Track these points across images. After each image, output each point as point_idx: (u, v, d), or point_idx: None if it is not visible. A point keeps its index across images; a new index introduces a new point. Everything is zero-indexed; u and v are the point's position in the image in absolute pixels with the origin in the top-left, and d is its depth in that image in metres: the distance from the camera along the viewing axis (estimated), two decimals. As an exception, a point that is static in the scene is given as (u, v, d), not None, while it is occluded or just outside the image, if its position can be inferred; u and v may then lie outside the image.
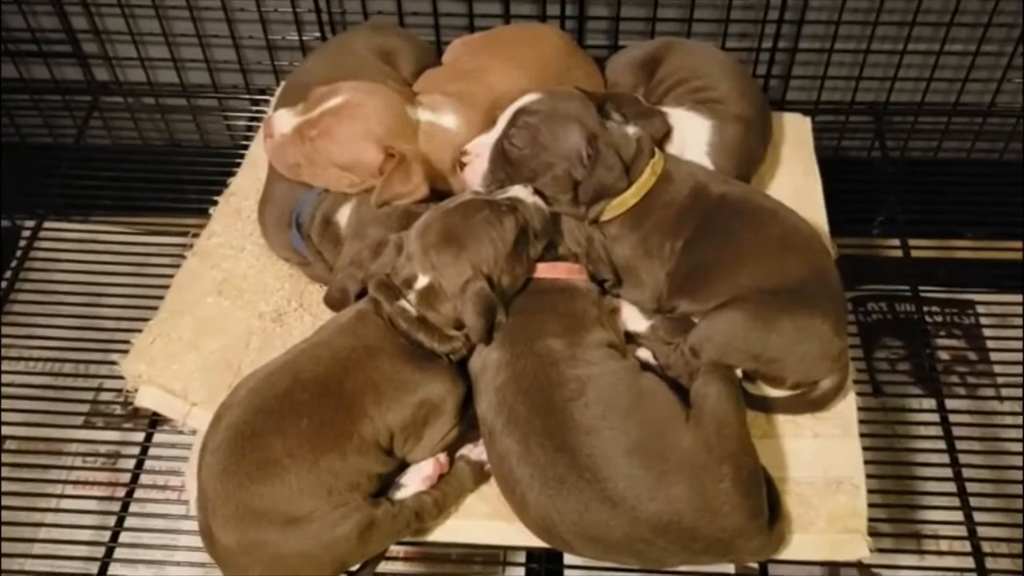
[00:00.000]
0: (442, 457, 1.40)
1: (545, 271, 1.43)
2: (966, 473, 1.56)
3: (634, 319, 1.53)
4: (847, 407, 1.51)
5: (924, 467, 1.62)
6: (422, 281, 1.35)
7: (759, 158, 1.72)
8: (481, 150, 1.50)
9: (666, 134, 1.61)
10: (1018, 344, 1.77)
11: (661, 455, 1.27)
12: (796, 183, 1.77)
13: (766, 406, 1.49)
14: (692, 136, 1.63)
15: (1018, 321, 1.85)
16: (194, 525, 1.31)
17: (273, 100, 1.87)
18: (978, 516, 1.54)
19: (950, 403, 1.68)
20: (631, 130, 1.54)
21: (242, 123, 2.08)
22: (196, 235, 1.74)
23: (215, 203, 1.77)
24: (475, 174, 1.50)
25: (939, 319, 2.10)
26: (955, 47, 1.90)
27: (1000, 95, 1.95)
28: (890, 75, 1.94)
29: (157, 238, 1.99)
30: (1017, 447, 1.62)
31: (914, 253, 1.84)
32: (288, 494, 1.26)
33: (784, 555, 1.37)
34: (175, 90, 2.10)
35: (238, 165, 1.84)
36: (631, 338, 1.52)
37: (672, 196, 1.51)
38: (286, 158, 1.50)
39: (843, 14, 1.85)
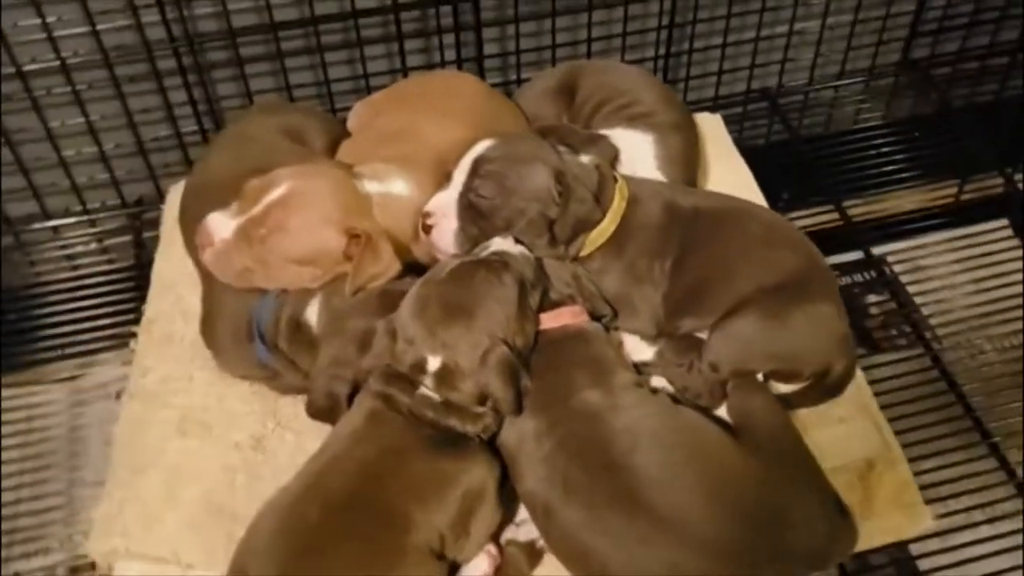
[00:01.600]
0: (492, 549, 1.27)
1: (549, 321, 1.32)
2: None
3: (638, 349, 1.45)
4: (860, 386, 1.50)
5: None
6: (434, 363, 1.22)
7: (699, 161, 1.70)
8: (445, 209, 1.39)
9: (615, 157, 1.56)
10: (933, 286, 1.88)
11: (737, 487, 1.20)
12: (731, 179, 1.76)
13: (788, 403, 1.45)
14: (638, 153, 1.58)
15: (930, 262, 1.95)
16: None
17: (167, 209, 1.69)
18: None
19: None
20: (585, 159, 1.47)
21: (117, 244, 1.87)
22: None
23: (131, 336, 1.57)
24: (445, 235, 1.38)
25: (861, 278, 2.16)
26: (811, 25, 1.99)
27: (879, 57, 2.04)
28: (778, 59, 1.99)
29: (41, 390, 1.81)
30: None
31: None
32: None
33: (860, 547, 1.33)
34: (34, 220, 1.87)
35: (139, 289, 1.64)
36: (638, 369, 1.45)
37: (647, 217, 1.45)
38: (232, 265, 1.32)
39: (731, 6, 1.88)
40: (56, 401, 1.87)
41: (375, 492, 1.18)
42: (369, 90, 1.77)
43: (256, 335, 1.36)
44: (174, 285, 1.60)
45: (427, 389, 1.22)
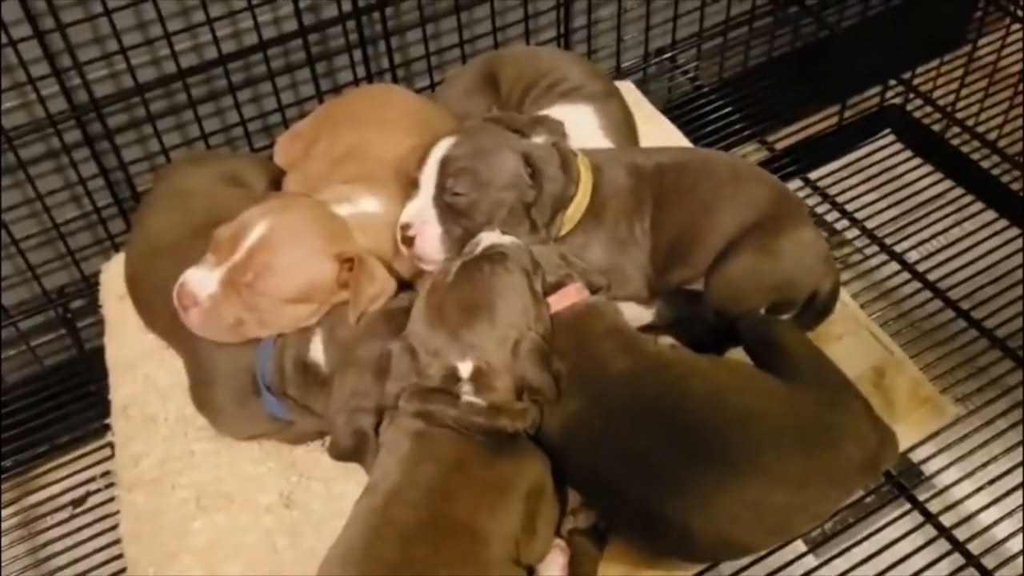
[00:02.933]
0: (561, 543, 1.24)
1: (556, 303, 1.30)
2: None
3: (637, 314, 1.45)
4: (847, 301, 1.55)
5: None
6: (466, 368, 1.18)
7: (635, 124, 1.71)
8: (423, 216, 1.34)
9: (563, 134, 1.55)
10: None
11: (792, 415, 1.21)
12: (662, 138, 1.79)
13: (789, 332, 1.49)
14: (581, 126, 1.58)
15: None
16: None
17: (105, 288, 1.57)
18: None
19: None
20: (540, 139, 1.46)
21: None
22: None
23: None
24: (430, 242, 1.34)
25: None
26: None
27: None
28: (667, 18, 2.04)
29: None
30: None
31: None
32: None
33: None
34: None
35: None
36: (640, 333, 1.45)
37: (614, 182, 1.45)
38: (223, 319, 1.24)
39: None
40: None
41: (446, 513, 1.13)
42: (286, 124, 1.71)
43: (263, 387, 1.28)
44: (135, 365, 1.49)
45: (469, 396, 1.18)
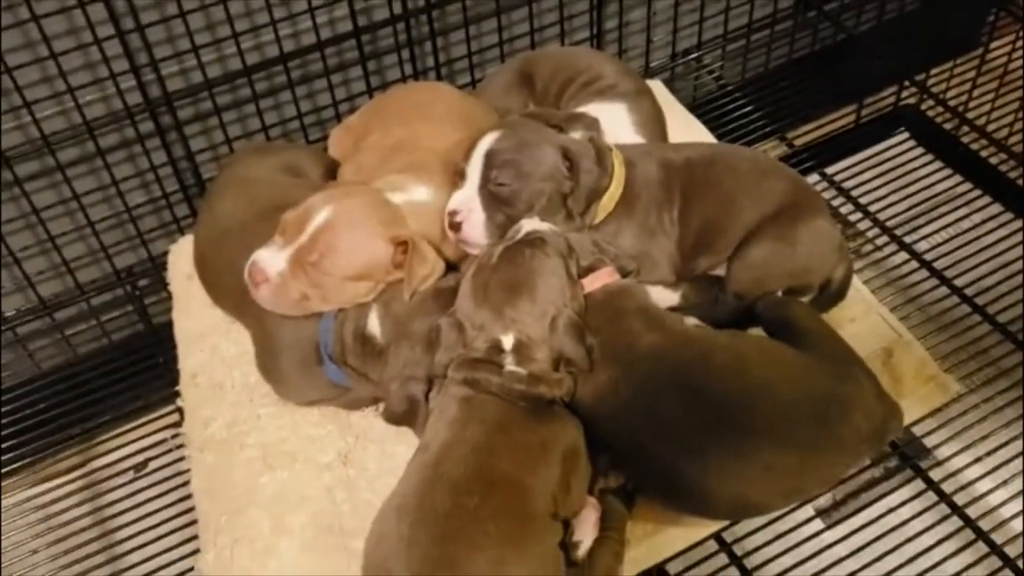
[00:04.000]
0: (593, 500, 1.36)
1: (590, 284, 1.42)
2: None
3: (664, 296, 1.57)
4: (859, 287, 1.67)
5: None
6: (508, 341, 1.31)
7: (665, 121, 1.83)
8: (469, 204, 1.48)
9: (598, 129, 1.67)
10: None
11: (807, 385, 1.33)
12: (689, 134, 1.91)
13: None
14: (615, 122, 1.71)
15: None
16: None
17: (173, 267, 1.71)
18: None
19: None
20: (577, 134, 1.59)
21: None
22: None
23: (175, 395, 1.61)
24: (475, 228, 1.47)
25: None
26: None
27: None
28: (693, 21, 2.16)
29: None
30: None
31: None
32: None
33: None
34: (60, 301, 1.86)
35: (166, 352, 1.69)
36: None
37: (646, 175, 1.57)
38: (289, 295, 1.37)
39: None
40: (68, 493, 1.86)
41: (493, 468, 1.26)
42: (339, 118, 1.85)
43: (325, 357, 1.42)
44: (203, 337, 1.63)
45: (511, 366, 1.31)
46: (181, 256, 1.72)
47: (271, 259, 1.37)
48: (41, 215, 1.73)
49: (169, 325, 1.73)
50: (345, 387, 1.45)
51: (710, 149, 1.67)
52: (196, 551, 1.48)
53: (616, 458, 1.40)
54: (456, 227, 1.48)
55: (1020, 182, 2.11)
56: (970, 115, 2.17)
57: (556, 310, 1.33)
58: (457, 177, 1.52)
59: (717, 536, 1.44)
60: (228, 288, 1.54)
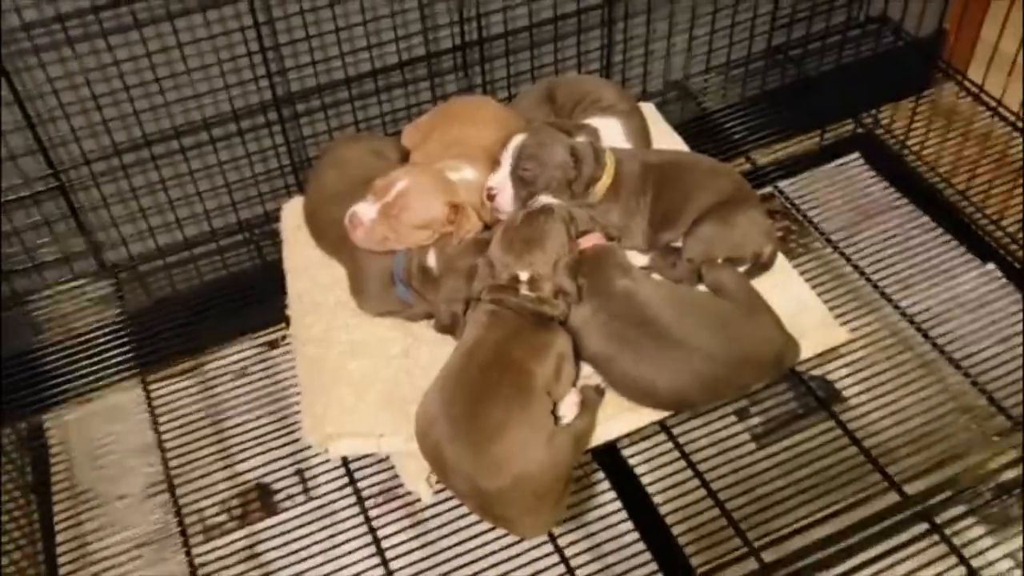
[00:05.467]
0: (575, 390, 1.96)
1: (584, 243, 2.02)
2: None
3: (638, 259, 2.17)
4: (783, 262, 2.23)
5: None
6: (524, 276, 1.89)
7: (649, 134, 2.44)
8: (502, 183, 2.08)
9: (597, 136, 2.28)
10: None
11: (724, 320, 1.93)
12: (672, 146, 2.48)
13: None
14: (612, 132, 2.30)
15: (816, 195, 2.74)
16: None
17: (285, 220, 2.35)
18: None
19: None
20: (582, 139, 2.20)
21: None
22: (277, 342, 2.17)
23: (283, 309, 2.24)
24: (505, 199, 2.08)
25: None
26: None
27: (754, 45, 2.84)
28: (683, 58, 2.76)
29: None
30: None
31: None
32: (522, 437, 1.77)
33: (803, 356, 2.05)
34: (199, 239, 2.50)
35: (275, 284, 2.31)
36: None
37: (630, 171, 2.17)
38: (375, 236, 1.99)
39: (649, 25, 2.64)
40: (192, 386, 2.44)
41: (509, 357, 1.83)
42: (409, 118, 2.47)
43: (398, 281, 2.04)
44: (307, 269, 2.24)
45: (526, 291, 1.91)
46: (291, 212, 2.35)
47: (366, 211, 2.00)
48: (194, 175, 2.37)
49: (274, 264, 2.34)
50: (408, 304, 2.06)
51: (679, 155, 2.28)
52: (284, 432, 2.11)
53: (593, 363, 1.99)
54: (492, 198, 2.09)
55: (948, 197, 2.68)
56: (911, 143, 2.77)
57: (558, 257, 1.92)
58: (495, 164, 2.14)
59: (661, 423, 2.04)
60: (329, 235, 2.16)
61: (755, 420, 2.35)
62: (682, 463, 2.02)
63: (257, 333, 2.52)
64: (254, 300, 2.43)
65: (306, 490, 2.30)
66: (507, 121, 2.30)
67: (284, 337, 2.32)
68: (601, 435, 1.93)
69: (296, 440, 2.20)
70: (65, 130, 2.18)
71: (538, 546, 1.95)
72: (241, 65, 2.25)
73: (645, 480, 2.12)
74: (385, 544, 1.94)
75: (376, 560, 1.92)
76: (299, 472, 2.31)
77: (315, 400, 2.01)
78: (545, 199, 2.02)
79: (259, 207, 2.50)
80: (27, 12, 2.00)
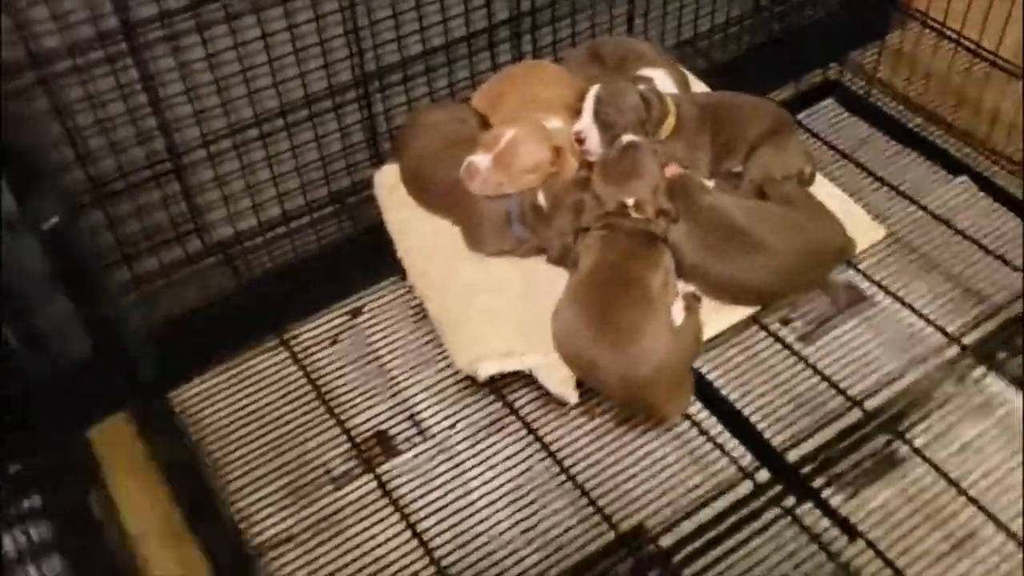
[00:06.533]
0: (680, 296, 2.25)
1: (668, 172, 2.34)
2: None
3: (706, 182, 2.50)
4: (822, 180, 2.59)
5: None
6: (630, 201, 2.18)
7: (689, 82, 2.77)
8: (589, 128, 2.37)
9: (653, 85, 2.59)
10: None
11: (794, 224, 2.27)
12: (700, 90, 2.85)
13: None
14: (662, 82, 2.61)
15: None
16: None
17: (380, 185, 2.58)
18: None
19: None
20: (643, 87, 2.51)
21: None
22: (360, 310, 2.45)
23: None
24: (593, 142, 2.37)
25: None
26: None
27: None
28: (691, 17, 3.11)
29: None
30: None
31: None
32: (655, 333, 2.06)
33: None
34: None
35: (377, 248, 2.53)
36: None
37: (689, 111, 2.49)
38: (491, 182, 2.25)
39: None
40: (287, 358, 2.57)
41: (626, 272, 2.11)
42: (473, 87, 2.73)
43: (515, 220, 2.30)
44: (409, 223, 2.47)
45: (635, 214, 2.21)
46: (385, 176, 2.58)
47: (481, 161, 2.26)
48: (295, 151, 2.58)
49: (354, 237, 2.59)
50: (523, 241, 2.32)
51: (724, 95, 2.61)
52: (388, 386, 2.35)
53: (691, 274, 2.28)
54: (581, 142, 2.37)
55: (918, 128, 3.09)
56: (880, 79, 3.18)
57: (656, 183, 2.23)
58: (575, 114, 2.42)
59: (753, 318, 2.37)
60: (433, 191, 2.41)
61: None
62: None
63: (342, 302, 2.67)
64: (341, 271, 2.62)
65: (421, 432, 2.50)
66: (568, 78, 2.59)
67: (364, 307, 2.54)
68: (708, 332, 2.24)
69: (400, 391, 2.39)
70: (180, 114, 2.36)
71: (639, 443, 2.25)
72: (335, 46, 2.47)
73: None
74: (500, 468, 2.22)
75: (496, 482, 2.20)
76: (411, 417, 2.50)
77: (453, 332, 2.25)
78: (628, 137, 2.31)
79: (346, 179, 2.72)
80: (143, 9, 2.16)
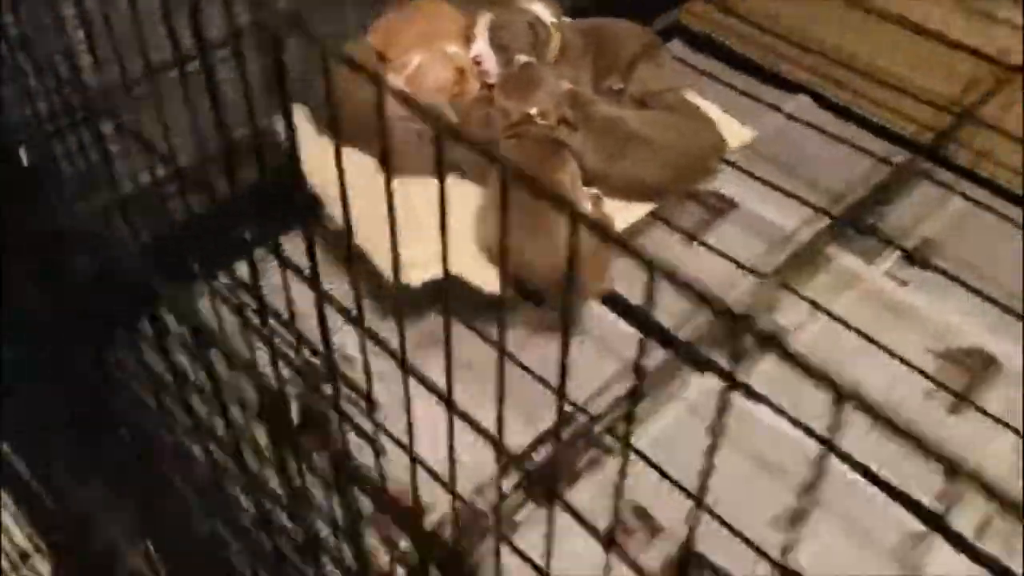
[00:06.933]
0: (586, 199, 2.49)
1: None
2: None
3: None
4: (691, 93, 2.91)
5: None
6: (534, 111, 2.39)
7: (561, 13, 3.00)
8: (485, 51, 2.57)
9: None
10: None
11: (678, 125, 2.54)
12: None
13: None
14: (541, 13, 2.83)
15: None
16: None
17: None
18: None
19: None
20: (531, 12, 2.72)
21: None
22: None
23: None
24: (491, 63, 2.56)
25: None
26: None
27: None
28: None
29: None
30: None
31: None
32: None
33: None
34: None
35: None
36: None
37: (569, 36, 2.71)
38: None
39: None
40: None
41: (539, 172, 2.35)
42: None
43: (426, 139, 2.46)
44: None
45: (540, 122, 2.41)
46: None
47: (394, 82, 2.41)
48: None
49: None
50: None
51: (597, 20, 2.86)
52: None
53: (592, 178, 2.53)
54: (479, 63, 2.57)
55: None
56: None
57: (555, 94, 2.45)
58: (469, 40, 2.61)
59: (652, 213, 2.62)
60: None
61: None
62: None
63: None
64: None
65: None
66: (456, 12, 2.77)
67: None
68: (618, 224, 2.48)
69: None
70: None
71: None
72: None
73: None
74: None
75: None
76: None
77: (379, 250, 2.39)
78: (523, 58, 2.53)
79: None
80: None
